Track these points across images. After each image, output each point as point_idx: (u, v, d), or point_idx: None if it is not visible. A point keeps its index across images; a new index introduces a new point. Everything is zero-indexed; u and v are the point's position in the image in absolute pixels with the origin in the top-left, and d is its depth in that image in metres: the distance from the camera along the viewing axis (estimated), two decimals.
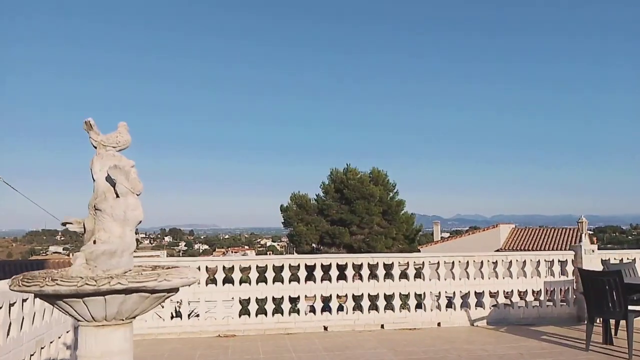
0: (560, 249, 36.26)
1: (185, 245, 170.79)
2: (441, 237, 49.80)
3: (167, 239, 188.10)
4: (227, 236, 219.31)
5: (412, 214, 39.84)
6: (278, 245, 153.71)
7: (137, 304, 2.25)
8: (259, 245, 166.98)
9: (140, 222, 2.38)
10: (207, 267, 8.16)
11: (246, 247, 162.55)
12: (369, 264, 8.52)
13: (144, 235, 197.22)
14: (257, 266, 8.22)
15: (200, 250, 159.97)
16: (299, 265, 8.33)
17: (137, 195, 2.38)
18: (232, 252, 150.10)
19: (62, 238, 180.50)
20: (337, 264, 8.41)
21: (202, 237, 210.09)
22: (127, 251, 2.33)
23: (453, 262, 8.74)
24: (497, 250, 39.48)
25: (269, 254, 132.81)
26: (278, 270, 8.29)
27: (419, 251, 42.31)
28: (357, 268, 8.67)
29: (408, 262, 8.62)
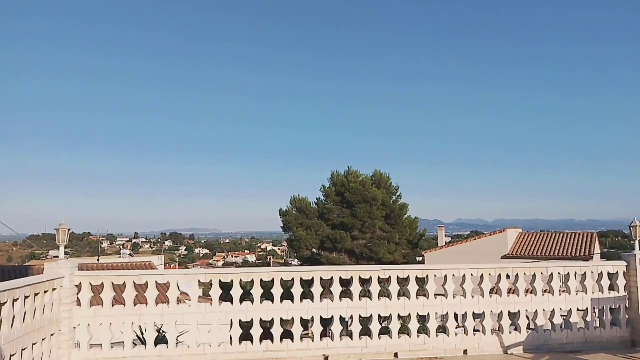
0: (572, 256, 34.72)
1: (185, 250, 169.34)
2: (445, 243, 48.10)
3: (167, 243, 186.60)
4: (227, 241, 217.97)
5: (416, 218, 38.23)
6: (279, 249, 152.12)
7: None
8: (259, 250, 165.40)
9: None
10: (177, 282, 6.57)
11: (247, 251, 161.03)
12: (379, 278, 6.90)
13: (144, 240, 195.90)
14: (240, 281, 6.62)
15: (201, 255, 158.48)
16: (292, 279, 6.71)
17: None
18: (232, 256, 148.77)
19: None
20: (341, 278, 6.80)
21: (202, 242, 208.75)
22: None
23: (482, 276, 7.13)
24: (505, 257, 37.83)
25: (270, 258, 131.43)
26: (267, 285, 6.70)
27: (422, 257, 40.75)
28: (364, 283, 7.07)
29: (427, 276, 6.99)
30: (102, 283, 6.39)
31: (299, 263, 44.29)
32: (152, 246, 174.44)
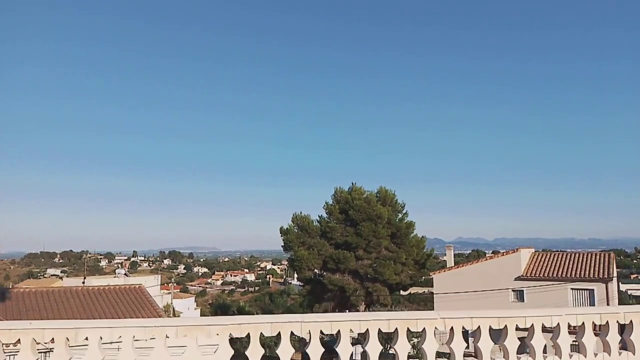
0: (591, 278, 32.33)
1: (184, 268, 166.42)
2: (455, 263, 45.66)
3: (166, 261, 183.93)
4: (226, 259, 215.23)
5: (423, 237, 36.03)
6: (278, 268, 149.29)
7: None
8: (259, 269, 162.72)
9: None
10: (134, 336, 4.33)
11: (246, 270, 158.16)
12: (436, 328, 4.68)
13: (142, 258, 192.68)
14: (230, 336, 4.38)
15: (199, 274, 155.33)
16: (309, 332, 4.47)
17: None
18: (231, 275, 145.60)
19: (61, 260, 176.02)
20: (380, 330, 4.57)
21: (201, 260, 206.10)
22: None
23: (583, 324, 4.91)
24: (518, 278, 35.35)
25: (269, 277, 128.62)
26: (271, 342, 4.48)
27: (430, 277, 38.27)
28: (413, 336, 4.85)
29: (506, 326, 4.76)
30: (19, 340, 4.18)
31: (300, 284, 42.00)
32: (151, 264, 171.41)
